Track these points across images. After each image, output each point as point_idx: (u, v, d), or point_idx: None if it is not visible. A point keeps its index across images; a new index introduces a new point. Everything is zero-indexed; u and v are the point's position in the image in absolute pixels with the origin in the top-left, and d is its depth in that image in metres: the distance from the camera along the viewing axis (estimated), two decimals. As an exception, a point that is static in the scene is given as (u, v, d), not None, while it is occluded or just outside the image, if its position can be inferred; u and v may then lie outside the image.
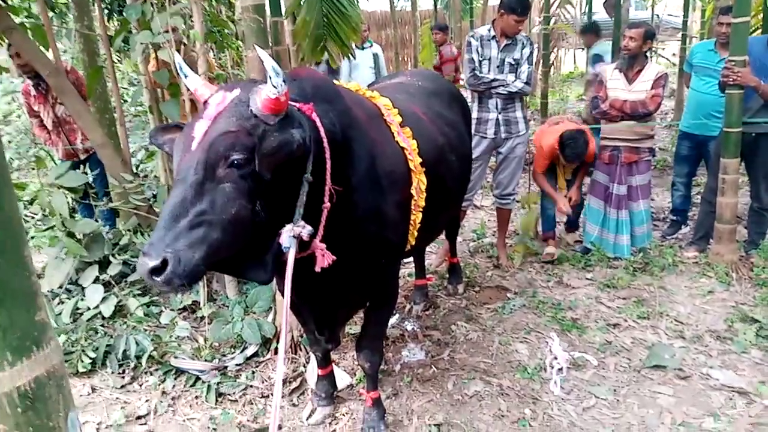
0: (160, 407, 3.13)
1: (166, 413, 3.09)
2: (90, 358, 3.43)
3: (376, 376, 2.86)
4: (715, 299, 4.03)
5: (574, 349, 3.54)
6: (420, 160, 2.53)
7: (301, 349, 3.54)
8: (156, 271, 1.55)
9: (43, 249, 4.66)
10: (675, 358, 3.36)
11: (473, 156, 4.42)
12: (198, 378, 3.35)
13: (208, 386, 3.26)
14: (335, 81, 2.64)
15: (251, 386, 3.32)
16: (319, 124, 1.92)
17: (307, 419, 3.02)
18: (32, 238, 4.79)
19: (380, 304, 2.72)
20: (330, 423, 3.04)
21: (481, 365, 3.43)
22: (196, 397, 3.23)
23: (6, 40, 3.94)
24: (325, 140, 1.93)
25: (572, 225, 5.32)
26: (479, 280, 4.52)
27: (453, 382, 3.28)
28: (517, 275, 4.58)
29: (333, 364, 3.17)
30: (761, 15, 5.41)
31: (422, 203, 2.56)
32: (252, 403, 3.20)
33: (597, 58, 6.58)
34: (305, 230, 1.82)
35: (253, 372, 3.42)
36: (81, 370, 3.36)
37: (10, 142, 8.93)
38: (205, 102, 1.81)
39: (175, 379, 3.36)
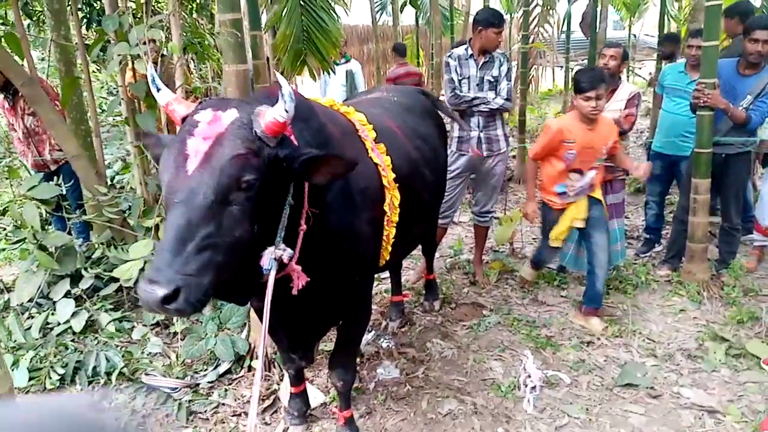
0: (129, 426, 3.06)
1: (136, 432, 3.03)
2: (59, 375, 3.37)
3: (349, 395, 2.85)
4: (687, 318, 4.09)
5: (548, 367, 3.56)
6: (393, 175, 2.54)
7: (275, 367, 3.51)
8: (167, 299, 1.52)
9: (14, 262, 4.59)
10: (647, 377, 3.39)
11: (454, 173, 4.47)
12: (169, 396, 3.30)
13: (179, 404, 3.22)
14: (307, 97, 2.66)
15: (223, 404, 3.28)
16: (296, 144, 1.92)
17: None
18: (2, 250, 4.70)
19: (353, 321, 2.71)
20: (303, 442, 3.01)
21: (456, 383, 3.43)
22: (167, 416, 3.18)
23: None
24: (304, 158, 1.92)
25: (537, 263, 4.49)
26: (455, 297, 4.53)
27: (427, 400, 3.27)
28: (493, 292, 4.60)
29: (306, 382, 3.15)
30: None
31: (395, 219, 2.58)
32: (224, 422, 3.16)
33: None
34: (286, 253, 1.84)
35: (226, 390, 3.38)
36: (49, 386, 3.29)
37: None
38: (186, 119, 1.77)
39: (146, 396, 3.31)
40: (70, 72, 4.33)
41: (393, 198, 2.54)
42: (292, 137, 1.92)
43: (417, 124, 3.18)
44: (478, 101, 4.26)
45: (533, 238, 5.82)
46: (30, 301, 4.07)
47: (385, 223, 2.53)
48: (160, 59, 3.91)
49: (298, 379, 3.01)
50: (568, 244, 4.77)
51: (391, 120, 2.94)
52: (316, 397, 3.24)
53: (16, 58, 4.04)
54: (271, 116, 1.69)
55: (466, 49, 4.35)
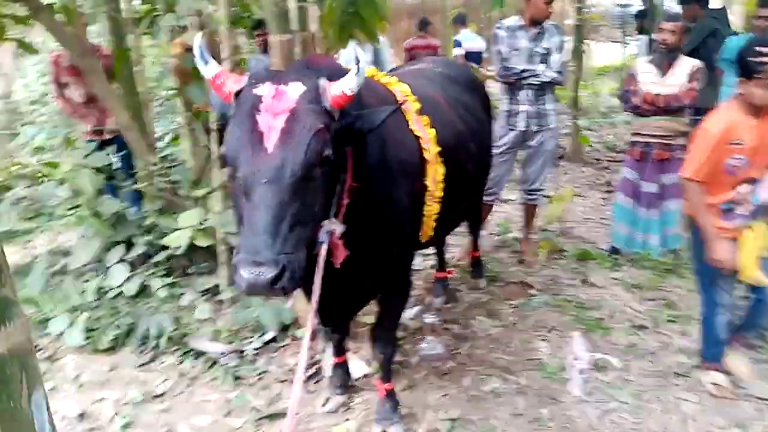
0: (177, 387, 3.15)
1: (183, 393, 3.11)
2: (112, 336, 3.47)
3: (389, 368, 2.83)
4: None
5: (597, 350, 3.45)
6: (438, 149, 2.47)
7: (319, 337, 3.52)
8: (275, 280, 1.54)
9: (72, 228, 4.74)
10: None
11: (501, 149, 4.36)
12: (216, 361, 3.36)
13: (226, 369, 3.28)
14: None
15: (268, 371, 3.33)
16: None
17: (322, 407, 3.01)
18: (61, 217, 4.86)
19: (392, 296, 2.68)
20: (344, 411, 3.02)
21: (500, 362, 3.37)
22: (213, 379, 3.24)
23: (35, 22, 3.96)
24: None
25: (748, 327, 3.26)
26: (503, 275, 4.44)
27: (471, 377, 3.23)
28: (542, 272, 4.49)
29: (350, 353, 3.15)
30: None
31: (439, 194, 2.51)
32: (267, 388, 3.20)
33: (457, 43, 8.26)
34: (339, 227, 1.86)
35: (271, 357, 3.42)
36: (102, 347, 3.39)
37: (45, 122, 9.09)
38: (241, 93, 1.74)
39: (194, 360, 3.38)
40: (121, 44, 4.39)
41: (436, 172, 2.47)
42: None
43: (461, 96, 3.09)
44: (528, 74, 4.12)
45: (584, 218, 5.67)
46: (86, 265, 4.20)
47: (428, 198, 2.47)
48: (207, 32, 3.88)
49: (339, 350, 3.02)
50: (620, 224, 4.63)
51: (435, 91, 2.86)
52: (359, 368, 3.24)
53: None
54: (340, 89, 1.70)
55: (517, 20, 4.20)
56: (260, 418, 2.93)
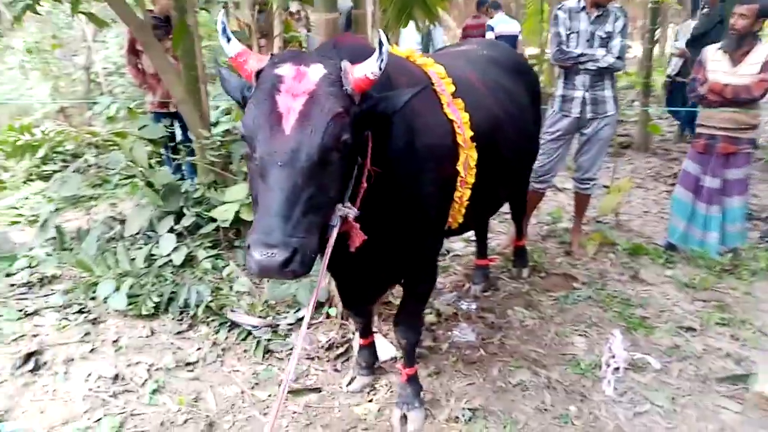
0: (209, 356, 3.24)
1: (214, 363, 3.20)
2: (154, 303, 3.60)
3: (413, 353, 2.80)
4: (811, 313, 3.62)
5: (637, 349, 3.31)
6: (471, 133, 2.39)
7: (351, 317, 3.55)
8: (286, 262, 1.53)
9: (129, 197, 4.96)
10: (753, 375, 3.04)
11: (554, 135, 4.21)
12: (249, 333, 3.44)
13: (258, 342, 3.35)
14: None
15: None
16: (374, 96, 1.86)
17: (347, 386, 3.03)
18: (115, 187, 5.10)
19: (416, 282, 2.63)
20: (368, 392, 3.03)
21: (532, 354, 3.28)
22: (245, 351, 3.32)
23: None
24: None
25: None
26: (547, 266, 4.32)
27: (499, 368, 3.17)
28: (589, 265, 4.33)
29: (378, 335, 3.15)
30: None
31: (471, 180, 2.44)
32: (297, 363, 3.24)
33: (489, 28, 8.21)
34: (352, 211, 1.82)
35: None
36: (144, 312, 3.53)
37: (123, 92, 9.51)
38: (262, 73, 1.71)
39: (228, 331, 3.46)
40: (182, 18, 4.50)
41: (468, 158, 2.39)
42: None
43: (503, 79, 2.98)
44: (585, 58, 3.93)
45: (643, 212, 5.42)
46: (138, 233, 4.38)
47: (459, 183, 2.40)
48: (255, 7, 3.92)
49: (365, 332, 3.01)
50: (678, 219, 4.40)
51: (474, 73, 2.77)
52: (387, 350, 3.24)
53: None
54: (362, 73, 1.67)
55: (579, 2, 4.00)
56: (287, 393, 2.98)
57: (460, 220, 2.59)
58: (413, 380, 2.82)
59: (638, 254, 4.45)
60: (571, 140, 4.38)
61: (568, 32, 4.02)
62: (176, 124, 5.50)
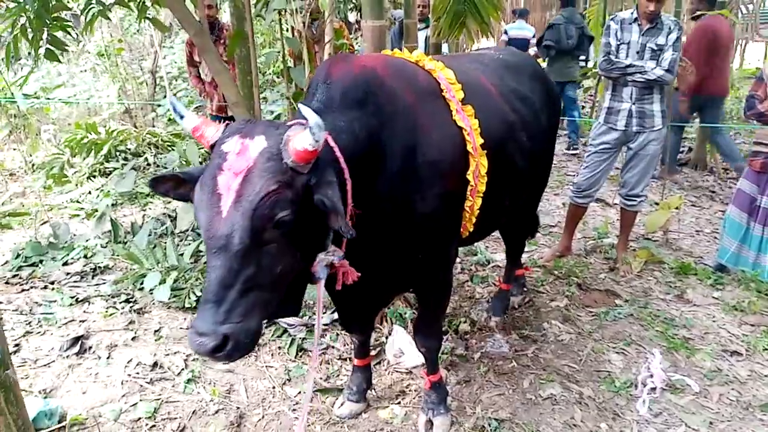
0: (245, 351, 3.33)
1: (249, 357, 3.28)
2: (196, 296, 3.73)
3: (435, 360, 2.78)
4: None
5: (677, 371, 3.20)
6: (481, 141, 2.32)
7: (386, 320, 3.58)
8: (217, 348, 1.52)
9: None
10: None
11: (599, 148, 4.14)
12: (285, 330, 3.52)
13: (293, 340, 3.42)
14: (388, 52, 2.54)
15: (332, 347, 3.42)
16: (333, 145, 1.80)
17: (337, 409, 2.90)
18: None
19: (430, 294, 2.58)
20: (397, 396, 3.04)
21: (566, 369, 3.23)
22: (279, 348, 3.39)
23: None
24: (341, 161, 1.81)
25: None
26: (588, 282, 4.23)
27: (530, 380, 3.13)
28: (633, 282, 4.22)
29: (405, 342, 3.16)
30: None
31: (482, 188, 2.37)
32: (329, 363, 3.30)
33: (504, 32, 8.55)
34: (336, 256, 1.80)
35: (338, 334, 3.52)
36: (186, 305, 3.67)
37: (185, 96, 9.90)
38: (214, 147, 1.66)
39: (265, 327, 3.55)
40: (241, 25, 4.67)
41: (480, 165, 2.33)
42: (332, 144, 1.80)
43: (518, 84, 2.86)
44: (633, 69, 3.86)
45: (695, 231, 5.23)
46: (187, 230, 4.56)
47: (469, 193, 2.34)
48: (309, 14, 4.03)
49: (361, 353, 2.90)
50: (730, 239, 4.24)
51: (485, 77, 2.68)
52: (419, 356, 3.23)
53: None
54: (300, 146, 1.56)
55: (632, 13, 3.94)
56: (316, 391, 3.04)
57: (471, 229, 2.52)
58: (438, 386, 2.80)
59: (686, 274, 4.31)
60: (617, 154, 4.29)
61: (619, 43, 3.96)
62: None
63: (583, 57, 8.00)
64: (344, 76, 2.01)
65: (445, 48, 6.70)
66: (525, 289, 3.98)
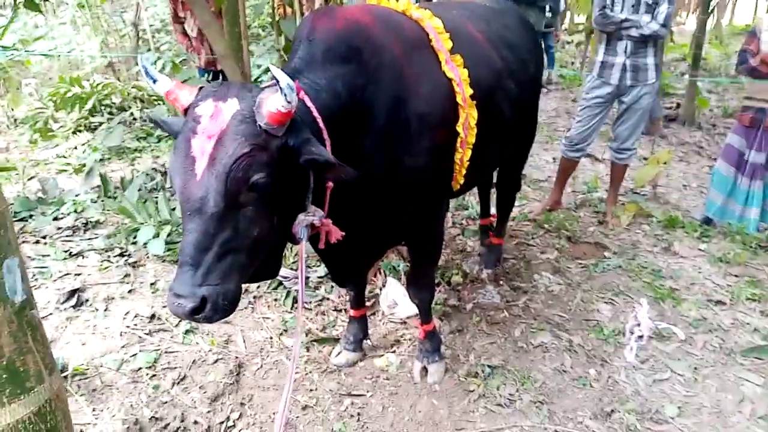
0: (241, 303, 3.34)
1: (245, 309, 3.32)
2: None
3: (428, 310, 2.83)
4: None
5: (663, 319, 3.30)
6: (471, 91, 2.29)
7: (380, 273, 3.62)
8: (196, 310, 1.52)
9: (169, 150, 5.11)
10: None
11: (591, 102, 4.15)
12: (280, 283, 3.55)
13: (288, 292, 3.46)
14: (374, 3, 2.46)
15: (327, 298, 3.47)
16: (310, 105, 1.78)
17: (334, 358, 2.96)
18: (159, 140, 5.25)
19: (422, 246, 2.60)
20: (392, 345, 3.11)
21: (556, 318, 3.31)
22: (275, 300, 3.43)
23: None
24: (320, 121, 1.79)
25: None
26: (578, 234, 4.30)
27: (521, 329, 3.21)
28: (621, 235, 4.30)
29: (399, 293, 3.21)
30: None
31: (472, 140, 2.35)
32: (324, 314, 3.35)
33: None
34: (316, 216, 1.78)
35: (332, 286, 3.55)
36: (181, 259, 3.68)
37: (169, 49, 9.68)
38: (188, 110, 1.62)
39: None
40: (226, -26, 4.54)
41: (469, 117, 2.30)
42: (303, 96, 1.77)
43: (505, 31, 2.82)
44: (629, 24, 3.83)
45: (683, 185, 5.31)
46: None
47: (459, 145, 2.32)
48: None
49: (357, 303, 2.94)
50: (717, 193, 4.32)
51: (473, 25, 2.63)
52: (409, 307, 3.30)
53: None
54: (273, 107, 1.54)
55: (626, -35, 3.89)
56: (312, 341, 3.09)
57: (462, 181, 2.52)
58: (432, 335, 2.87)
59: (673, 227, 4.39)
60: (609, 108, 4.30)
61: (614, -3, 3.92)
62: (220, 80, 5.63)
63: (546, 6, 7.74)
64: (327, 31, 1.96)
65: None
66: (500, 260, 3.86)
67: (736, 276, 3.74)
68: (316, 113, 1.78)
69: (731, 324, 3.28)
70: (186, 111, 1.63)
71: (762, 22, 4.03)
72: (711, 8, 7.26)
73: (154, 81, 1.68)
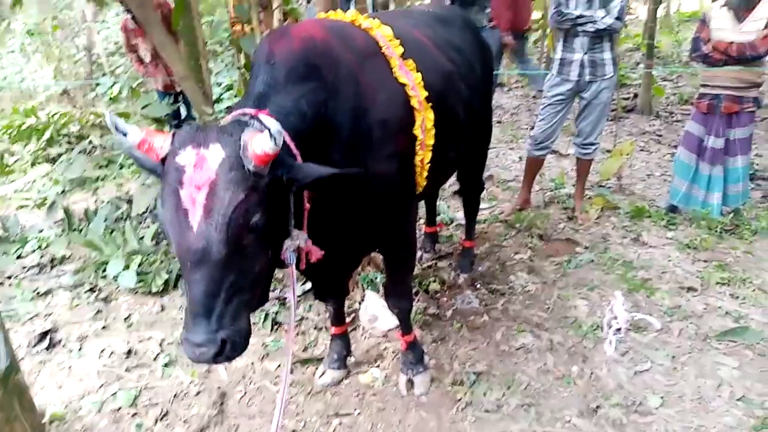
0: (219, 330, 3.31)
1: (224, 336, 3.27)
2: (163, 279, 3.68)
3: (408, 320, 2.84)
4: (812, 270, 3.65)
5: (639, 310, 3.35)
6: (426, 94, 2.33)
7: (358, 286, 3.61)
8: (217, 354, 1.57)
9: (132, 177, 5.02)
10: (752, 331, 3.09)
11: (553, 99, 4.21)
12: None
13: (266, 314, 3.42)
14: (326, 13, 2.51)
15: (306, 318, 3.44)
16: (281, 130, 1.73)
17: (318, 378, 2.94)
18: (121, 167, 5.15)
19: (395, 253, 2.62)
20: (375, 360, 3.10)
21: (535, 318, 3.34)
22: (254, 323, 3.37)
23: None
24: (292, 146, 1.80)
25: None
26: (549, 232, 4.35)
27: (502, 332, 3.23)
28: (591, 229, 4.36)
29: (378, 306, 3.20)
30: None
31: (430, 141, 2.39)
32: (304, 334, 3.32)
33: None
34: (301, 239, 1.83)
35: (310, 305, 3.53)
36: (154, 290, 3.61)
37: (125, 72, 9.52)
38: (167, 159, 1.61)
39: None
40: (182, -4, 4.48)
41: (426, 119, 2.34)
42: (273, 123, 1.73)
43: (451, 35, 2.88)
44: (584, 20, 3.90)
45: (646, 175, 5.42)
46: (145, 212, 4.45)
47: (418, 147, 2.35)
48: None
49: (338, 320, 2.93)
50: (680, 180, 4.41)
51: (419, 31, 2.68)
52: (389, 321, 3.29)
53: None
54: (260, 150, 1.55)
55: (578, -37, 3.96)
56: (294, 363, 3.06)
57: (424, 183, 2.53)
58: (414, 346, 2.87)
59: (640, 217, 4.48)
60: (570, 105, 4.37)
61: (568, -6, 3.99)
62: (181, 102, 5.57)
63: (488, 7, 7.89)
64: (286, 53, 1.97)
65: (391, 8, 6.61)
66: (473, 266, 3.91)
67: (704, 261, 3.83)
68: (287, 137, 1.78)
69: (704, 309, 3.35)
70: (164, 160, 1.61)
71: (711, 10, 4.14)
72: (660, -1, 7.44)
73: (125, 134, 1.64)
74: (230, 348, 1.59)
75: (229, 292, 1.58)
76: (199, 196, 1.54)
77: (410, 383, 2.84)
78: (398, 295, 2.73)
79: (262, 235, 1.64)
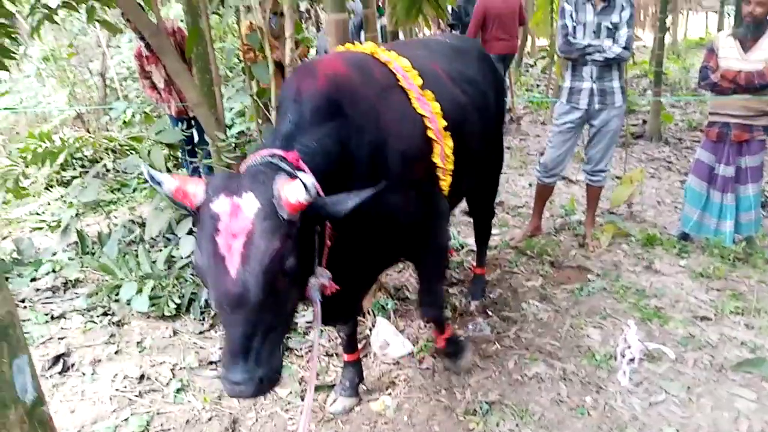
0: (231, 356, 3.31)
1: (235, 362, 3.27)
2: (176, 304, 3.69)
3: (442, 322, 2.94)
4: (827, 300, 3.62)
5: (652, 340, 3.33)
6: (444, 123, 2.41)
7: (369, 313, 3.61)
8: (257, 390, 1.65)
9: (145, 201, 5.06)
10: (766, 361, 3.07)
11: (563, 127, 4.24)
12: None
13: (277, 341, 3.41)
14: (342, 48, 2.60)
15: (318, 344, 3.43)
16: (307, 170, 1.82)
17: (329, 406, 2.93)
18: (134, 190, 5.19)
19: (428, 263, 2.70)
20: (387, 388, 3.08)
21: (547, 347, 3.32)
22: (265, 350, 3.38)
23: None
24: (318, 188, 1.77)
25: None
26: (561, 259, 4.34)
27: (515, 361, 3.21)
28: (603, 256, 4.35)
29: (390, 333, 3.20)
30: None
31: (450, 167, 2.47)
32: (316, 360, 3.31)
33: None
34: (325, 277, 1.85)
35: (322, 331, 3.53)
36: (166, 314, 3.62)
37: (137, 97, 9.65)
38: (202, 209, 1.64)
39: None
40: (196, 23, 4.57)
41: (445, 147, 2.41)
42: (301, 164, 1.83)
43: (465, 67, 2.94)
44: (592, 49, 3.95)
45: (657, 202, 5.42)
46: (158, 236, 4.48)
47: (440, 174, 2.44)
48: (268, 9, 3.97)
49: (350, 347, 2.96)
50: (691, 208, 4.41)
51: (436, 63, 2.74)
52: (401, 347, 3.29)
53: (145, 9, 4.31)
54: (294, 199, 1.59)
55: (584, -7, 4.02)
56: (304, 389, 3.05)
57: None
58: (451, 341, 3.02)
59: (652, 245, 4.47)
60: (580, 132, 4.40)
61: (575, 24, 4.04)
62: (194, 127, 5.64)
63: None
64: (312, 91, 2.02)
65: (401, 36, 6.69)
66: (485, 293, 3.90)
67: (717, 290, 3.80)
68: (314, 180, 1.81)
69: (718, 339, 3.32)
70: (197, 209, 1.65)
71: (719, 39, 4.17)
72: (667, 26, 7.51)
73: (160, 183, 1.68)
74: (267, 383, 1.66)
75: (265, 332, 1.64)
76: (236, 243, 1.58)
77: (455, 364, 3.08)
78: (430, 303, 2.81)
79: (294, 276, 1.68)
